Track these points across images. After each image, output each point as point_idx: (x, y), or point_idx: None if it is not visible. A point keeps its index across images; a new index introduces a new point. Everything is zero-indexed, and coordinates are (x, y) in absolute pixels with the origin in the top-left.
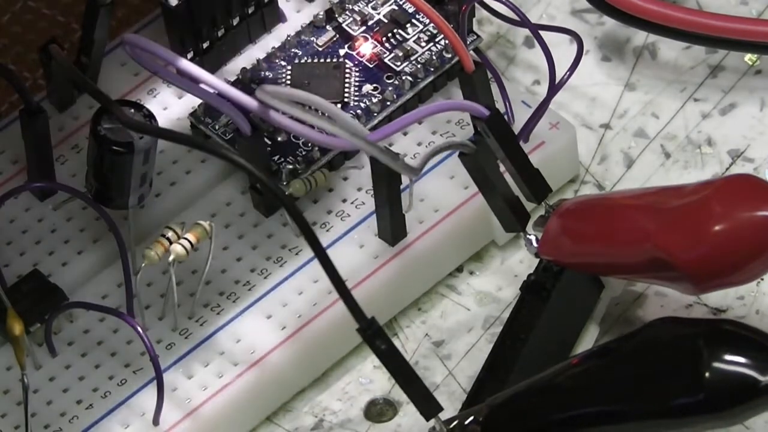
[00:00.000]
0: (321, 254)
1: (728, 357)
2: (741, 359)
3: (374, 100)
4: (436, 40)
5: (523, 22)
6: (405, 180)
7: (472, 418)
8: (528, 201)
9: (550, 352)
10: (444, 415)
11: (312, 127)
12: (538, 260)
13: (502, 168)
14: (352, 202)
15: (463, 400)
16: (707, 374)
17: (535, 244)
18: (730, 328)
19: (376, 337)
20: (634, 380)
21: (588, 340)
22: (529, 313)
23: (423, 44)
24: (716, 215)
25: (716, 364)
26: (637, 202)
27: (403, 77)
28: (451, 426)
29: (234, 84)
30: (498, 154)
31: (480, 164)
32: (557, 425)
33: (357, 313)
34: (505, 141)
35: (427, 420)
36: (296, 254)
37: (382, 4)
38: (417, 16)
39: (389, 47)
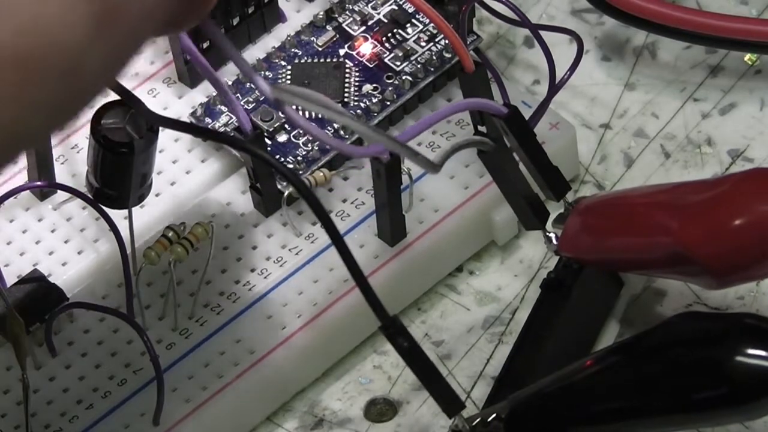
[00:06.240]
0: (345, 254)
1: (751, 350)
2: (764, 352)
3: (374, 100)
4: (436, 40)
5: (523, 22)
6: (405, 180)
7: (494, 415)
8: (548, 199)
9: (571, 350)
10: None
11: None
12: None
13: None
14: (352, 202)
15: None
16: (730, 367)
17: (555, 241)
18: (752, 322)
19: (398, 334)
20: (657, 375)
21: (608, 337)
22: (549, 310)
23: (423, 44)
24: (736, 210)
25: (739, 358)
26: (657, 199)
27: (403, 77)
28: (474, 423)
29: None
30: (517, 151)
31: (499, 161)
32: (580, 421)
33: (379, 310)
34: (525, 139)
35: (450, 417)
36: (296, 254)
37: (382, 4)
38: (417, 16)
39: (389, 47)
